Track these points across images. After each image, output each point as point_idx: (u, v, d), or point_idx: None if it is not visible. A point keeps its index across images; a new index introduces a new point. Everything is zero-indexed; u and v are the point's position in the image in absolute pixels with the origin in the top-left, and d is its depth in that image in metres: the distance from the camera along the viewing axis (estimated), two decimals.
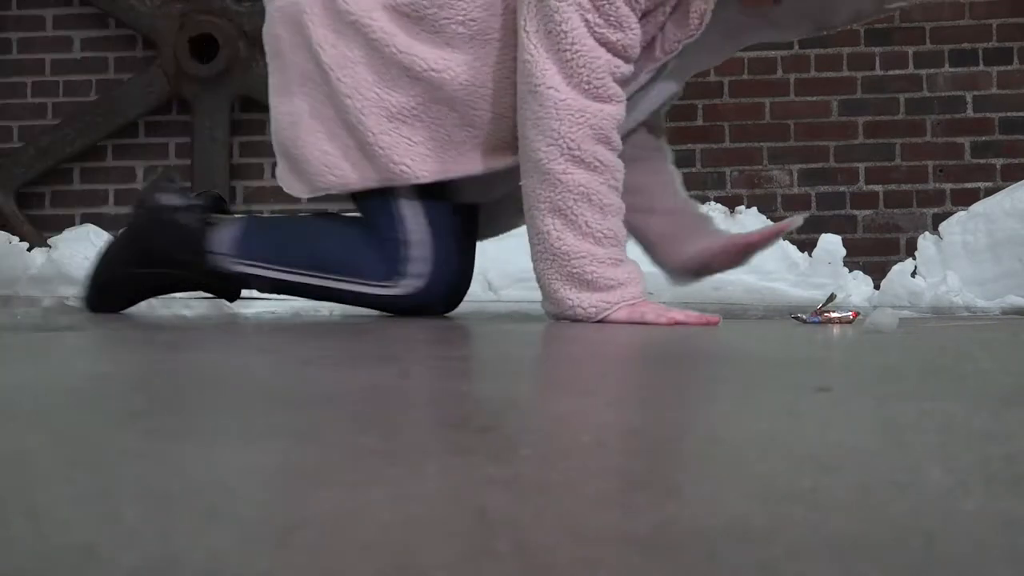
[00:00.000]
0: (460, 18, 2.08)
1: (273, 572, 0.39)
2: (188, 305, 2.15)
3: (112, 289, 2.30)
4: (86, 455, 0.62)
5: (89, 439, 0.67)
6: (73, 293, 2.44)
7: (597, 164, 1.95)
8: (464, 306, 2.30)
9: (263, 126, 4.92)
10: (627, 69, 2.01)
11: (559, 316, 1.98)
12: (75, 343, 1.61)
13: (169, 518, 0.46)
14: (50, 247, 3.89)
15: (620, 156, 2.02)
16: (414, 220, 2.16)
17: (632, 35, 1.98)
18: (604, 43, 1.97)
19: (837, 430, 0.71)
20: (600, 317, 1.94)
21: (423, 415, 0.78)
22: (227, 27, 4.75)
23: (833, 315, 2.10)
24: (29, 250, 4.05)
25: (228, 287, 2.27)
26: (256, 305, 2.87)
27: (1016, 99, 4.65)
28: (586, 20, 1.96)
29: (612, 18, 1.95)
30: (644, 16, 2.01)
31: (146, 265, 2.27)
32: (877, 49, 4.61)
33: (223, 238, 2.20)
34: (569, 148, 1.94)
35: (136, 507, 0.48)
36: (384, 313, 2.18)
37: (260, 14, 5.17)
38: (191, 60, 4.74)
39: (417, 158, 2.11)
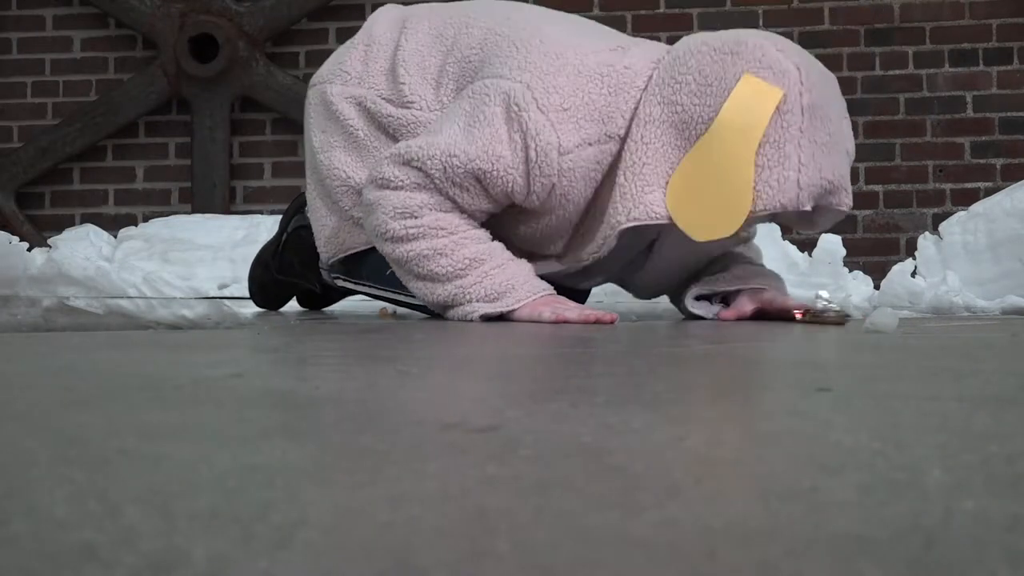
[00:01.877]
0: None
1: (273, 572, 0.39)
2: (188, 305, 2.15)
3: (267, 290, 2.84)
4: (86, 455, 0.62)
5: (89, 439, 0.67)
6: (73, 293, 2.44)
7: (412, 232, 2.23)
8: None
9: (263, 126, 4.92)
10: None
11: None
12: (75, 343, 1.61)
13: (169, 518, 0.46)
14: (50, 247, 3.89)
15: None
16: None
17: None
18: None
19: (837, 430, 0.71)
20: (497, 314, 2.20)
21: (423, 415, 0.78)
22: (227, 27, 4.75)
23: (828, 313, 2.10)
24: (29, 250, 4.05)
25: (328, 296, 2.80)
26: (255, 305, 2.87)
27: (1016, 99, 4.65)
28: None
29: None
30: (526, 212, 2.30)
31: (286, 274, 2.76)
32: (877, 49, 4.61)
33: (323, 258, 2.58)
34: (380, 235, 2.27)
35: (136, 507, 0.48)
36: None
37: (260, 14, 5.16)
38: (191, 60, 4.74)
39: None
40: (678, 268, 2.45)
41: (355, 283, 2.56)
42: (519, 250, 2.31)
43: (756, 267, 2.43)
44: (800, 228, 2.36)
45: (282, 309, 2.90)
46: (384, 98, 2.42)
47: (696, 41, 2.21)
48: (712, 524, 0.45)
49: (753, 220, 2.19)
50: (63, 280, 2.63)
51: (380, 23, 2.53)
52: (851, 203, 2.19)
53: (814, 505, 0.49)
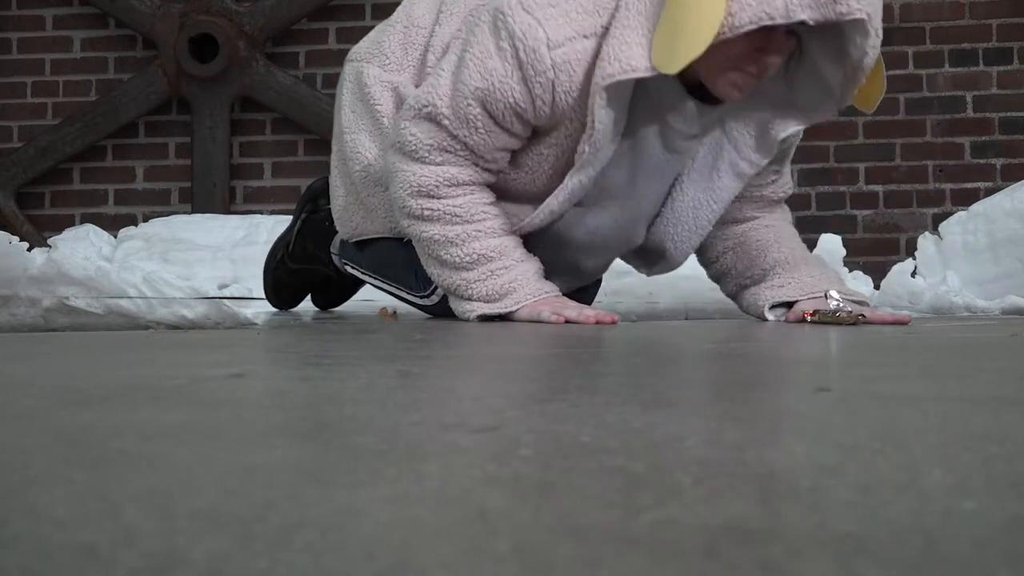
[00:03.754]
0: None
1: (273, 572, 0.39)
2: (188, 305, 2.15)
3: (282, 287, 2.86)
4: (86, 455, 0.62)
5: (89, 439, 0.67)
6: (73, 293, 2.44)
7: (428, 213, 2.22)
8: None
9: (263, 126, 4.92)
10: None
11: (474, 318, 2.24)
12: (75, 343, 1.61)
13: (169, 518, 0.46)
14: (50, 247, 3.89)
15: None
16: None
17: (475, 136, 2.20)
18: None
19: (837, 430, 0.71)
20: (496, 314, 2.20)
21: (423, 415, 0.78)
22: (227, 27, 4.75)
23: (840, 314, 2.09)
24: (29, 250, 4.05)
25: (343, 289, 2.88)
26: (255, 305, 2.87)
27: (1016, 99, 4.65)
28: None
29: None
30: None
31: (300, 261, 2.78)
32: None
33: (335, 242, 2.65)
34: (400, 208, 2.27)
35: (136, 507, 0.48)
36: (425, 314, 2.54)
37: (260, 14, 5.17)
38: (191, 60, 4.74)
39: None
40: (692, 218, 2.38)
41: (362, 272, 2.57)
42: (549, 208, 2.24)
43: (818, 272, 2.36)
44: (831, 107, 2.20)
45: (282, 310, 2.90)
46: (416, 85, 2.40)
47: None
48: (712, 524, 0.45)
49: (767, 110, 2.20)
50: (63, 280, 2.63)
51: (420, 3, 2.48)
52: (872, 13, 1.97)
53: (814, 505, 0.49)
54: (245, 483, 0.54)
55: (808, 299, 2.27)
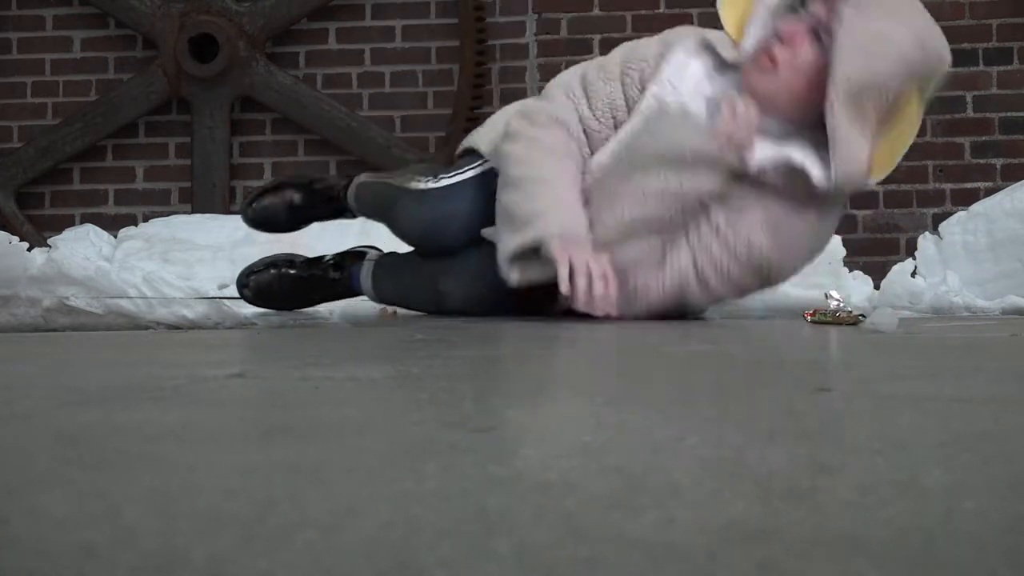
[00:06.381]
0: None
1: (273, 572, 0.39)
2: (188, 305, 2.15)
3: (277, 289, 2.75)
4: (86, 455, 0.62)
5: (89, 439, 0.67)
6: (73, 293, 2.44)
7: (519, 133, 2.30)
8: None
9: (263, 126, 4.92)
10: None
11: (511, 260, 2.23)
12: (75, 343, 1.61)
13: (169, 518, 0.46)
14: (50, 247, 3.89)
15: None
16: None
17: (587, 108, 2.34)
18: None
19: (837, 430, 0.71)
20: (526, 244, 2.19)
21: (423, 415, 0.78)
22: (227, 27, 4.75)
23: (840, 314, 2.09)
24: (29, 250, 4.05)
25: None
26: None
27: (1016, 99, 4.65)
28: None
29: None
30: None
31: (318, 191, 2.76)
32: None
33: (362, 280, 2.63)
34: (505, 134, 2.35)
35: (136, 507, 0.48)
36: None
37: (260, 14, 5.16)
38: (191, 60, 4.74)
39: None
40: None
41: (366, 214, 2.60)
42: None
43: None
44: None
45: (282, 310, 2.90)
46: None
47: None
48: (712, 524, 0.45)
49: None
50: (63, 280, 2.63)
51: (683, 40, 2.45)
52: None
53: (814, 505, 0.49)
54: (245, 483, 0.54)
55: None
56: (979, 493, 0.51)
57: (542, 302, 2.36)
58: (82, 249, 3.55)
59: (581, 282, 2.14)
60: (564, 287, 2.14)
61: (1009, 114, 4.65)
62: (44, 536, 0.43)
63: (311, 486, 0.53)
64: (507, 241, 2.23)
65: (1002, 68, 4.67)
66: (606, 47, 4.69)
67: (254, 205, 2.80)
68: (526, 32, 4.73)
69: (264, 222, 2.82)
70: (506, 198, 2.28)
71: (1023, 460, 0.60)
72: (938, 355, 1.36)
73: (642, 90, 2.30)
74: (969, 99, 4.68)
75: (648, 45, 2.39)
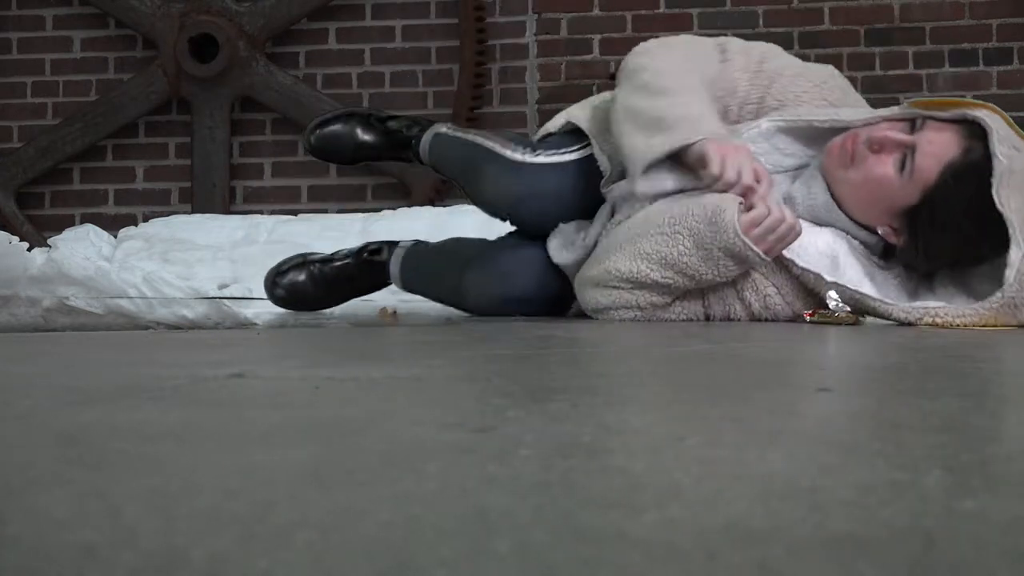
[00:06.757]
0: None
1: (273, 572, 0.39)
2: (188, 305, 2.15)
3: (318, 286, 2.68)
4: (86, 455, 0.62)
5: (89, 439, 0.67)
6: (73, 293, 2.44)
7: (648, 49, 2.26)
8: None
9: (263, 126, 4.92)
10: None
11: (645, 169, 2.12)
12: (75, 343, 1.61)
13: (169, 518, 0.46)
14: (50, 247, 3.89)
15: None
16: None
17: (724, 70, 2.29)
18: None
19: (837, 430, 0.71)
20: (678, 147, 2.08)
21: (423, 415, 0.78)
22: (227, 27, 4.75)
23: (839, 314, 2.09)
24: (29, 250, 4.05)
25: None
26: (255, 305, 2.87)
27: (1016, 99, 4.65)
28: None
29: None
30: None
31: (387, 127, 2.66)
32: (877, 49, 4.60)
33: (392, 263, 2.57)
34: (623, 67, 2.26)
35: (136, 507, 0.48)
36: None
37: (260, 14, 5.16)
38: (191, 60, 4.74)
39: None
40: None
41: (439, 168, 2.56)
42: None
43: None
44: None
45: (282, 311, 2.90)
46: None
47: None
48: (712, 524, 0.45)
49: None
50: (63, 280, 2.63)
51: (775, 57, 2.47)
52: None
53: (814, 505, 0.49)
54: (245, 483, 0.54)
55: None
56: (979, 493, 0.51)
57: (559, 308, 2.33)
58: (82, 249, 3.55)
59: (736, 176, 2.03)
60: (720, 185, 2.03)
61: (1009, 114, 4.65)
62: (44, 536, 0.43)
63: (311, 486, 0.53)
64: (648, 144, 2.10)
65: (1002, 68, 4.67)
66: (606, 47, 4.70)
67: (318, 132, 2.63)
68: (526, 32, 4.73)
69: (326, 151, 2.66)
70: (646, 103, 2.16)
71: (1023, 460, 0.60)
72: (938, 355, 1.36)
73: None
74: (969, 99, 4.67)
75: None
